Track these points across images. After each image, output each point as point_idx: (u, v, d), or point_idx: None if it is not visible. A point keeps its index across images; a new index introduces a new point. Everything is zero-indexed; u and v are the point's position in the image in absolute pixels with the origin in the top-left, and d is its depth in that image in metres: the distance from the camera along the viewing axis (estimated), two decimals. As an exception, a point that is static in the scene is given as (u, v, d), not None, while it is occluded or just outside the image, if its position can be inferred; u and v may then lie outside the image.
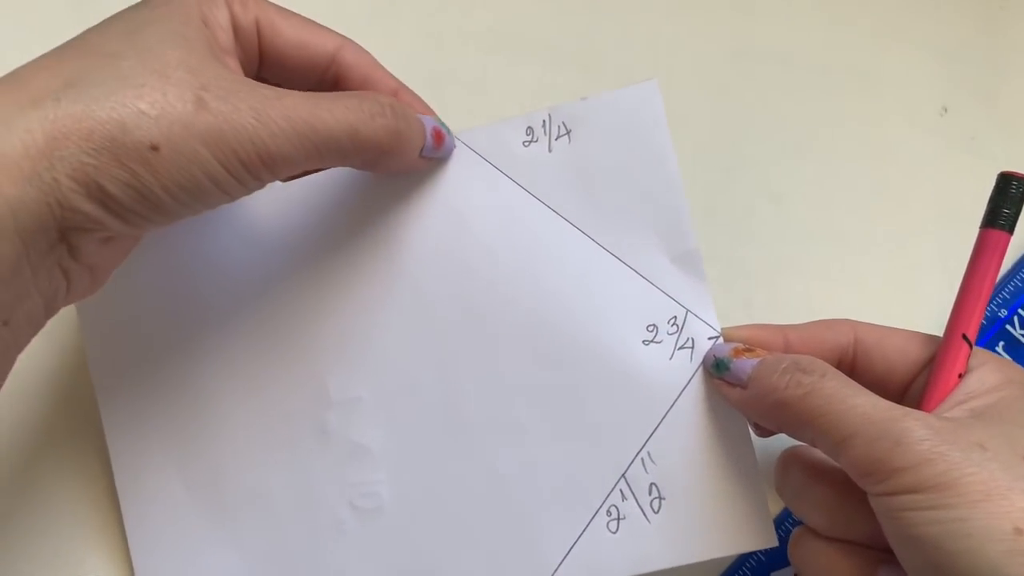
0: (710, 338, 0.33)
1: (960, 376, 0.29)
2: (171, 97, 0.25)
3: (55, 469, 0.38)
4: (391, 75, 0.33)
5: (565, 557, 0.32)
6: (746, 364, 0.30)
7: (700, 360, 0.33)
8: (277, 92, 0.27)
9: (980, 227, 0.30)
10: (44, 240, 0.25)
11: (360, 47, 0.33)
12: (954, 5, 0.44)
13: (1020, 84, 0.43)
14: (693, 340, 0.33)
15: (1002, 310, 0.39)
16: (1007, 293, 0.39)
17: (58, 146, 0.24)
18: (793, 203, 0.41)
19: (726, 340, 0.32)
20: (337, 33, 0.32)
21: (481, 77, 0.42)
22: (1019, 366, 0.29)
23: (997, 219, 0.30)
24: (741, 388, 0.30)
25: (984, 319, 0.39)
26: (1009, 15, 0.44)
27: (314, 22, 0.32)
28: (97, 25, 0.27)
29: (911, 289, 0.40)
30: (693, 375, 0.32)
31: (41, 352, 0.38)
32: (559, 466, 0.33)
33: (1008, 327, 0.39)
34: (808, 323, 0.32)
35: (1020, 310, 0.39)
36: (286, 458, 0.34)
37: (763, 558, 0.37)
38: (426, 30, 0.42)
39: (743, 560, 0.37)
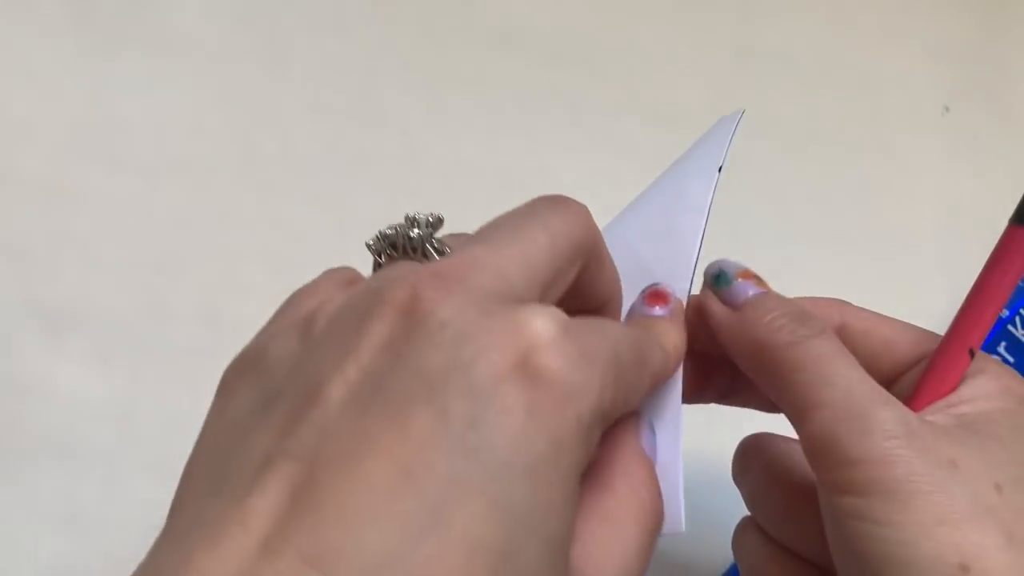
0: None
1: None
2: None
3: None
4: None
5: None
6: (748, 287, 0.28)
7: None
8: None
9: (1009, 223, 0.24)
10: None
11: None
12: (954, 5, 0.44)
13: (1022, 83, 0.43)
14: None
15: (1004, 310, 0.39)
16: (1009, 293, 0.39)
17: None
18: (793, 203, 0.41)
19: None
20: None
21: (481, 77, 0.42)
22: (1020, 377, 0.26)
23: None
24: (731, 310, 0.27)
25: (986, 319, 0.39)
26: (1009, 15, 0.44)
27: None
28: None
29: (912, 289, 0.40)
30: None
31: None
32: None
33: (1010, 327, 0.39)
34: (793, 299, 0.29)
35: (1022, 310, 0.39)
36: None
37: (763, 559, 0.36)
38: (426, 30, 0.42)
39: (743, 561, 0.37)
